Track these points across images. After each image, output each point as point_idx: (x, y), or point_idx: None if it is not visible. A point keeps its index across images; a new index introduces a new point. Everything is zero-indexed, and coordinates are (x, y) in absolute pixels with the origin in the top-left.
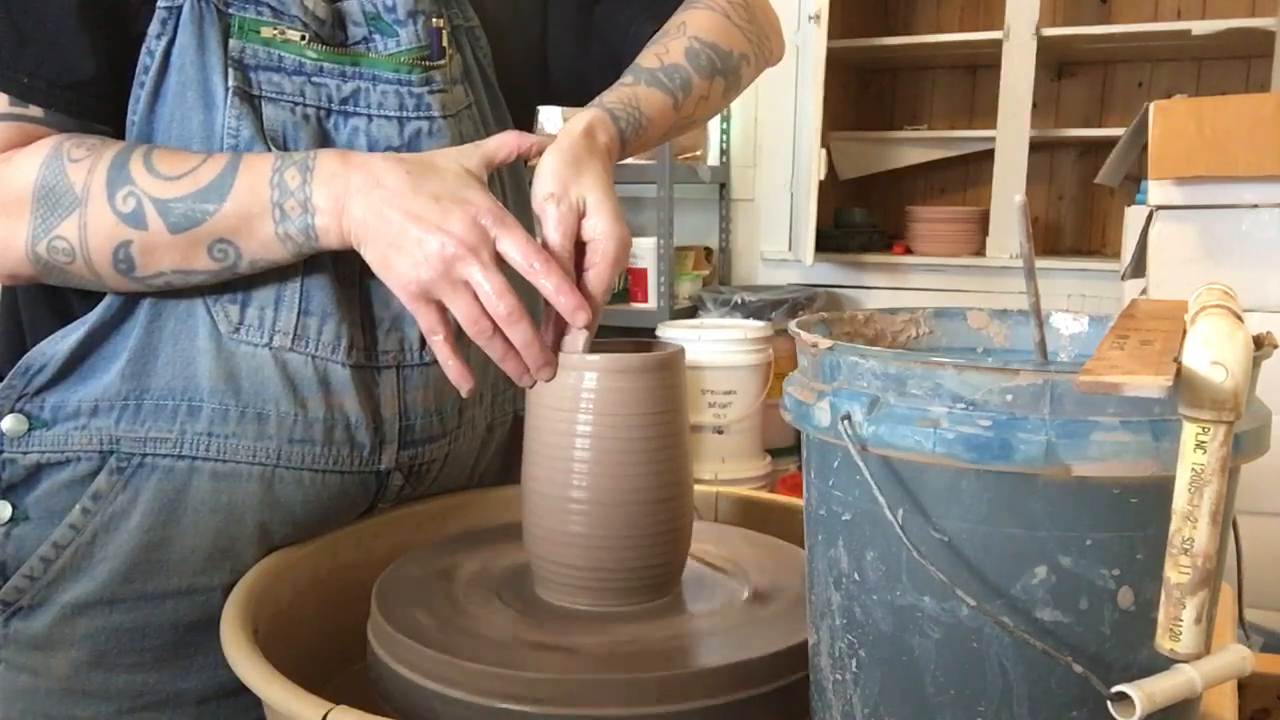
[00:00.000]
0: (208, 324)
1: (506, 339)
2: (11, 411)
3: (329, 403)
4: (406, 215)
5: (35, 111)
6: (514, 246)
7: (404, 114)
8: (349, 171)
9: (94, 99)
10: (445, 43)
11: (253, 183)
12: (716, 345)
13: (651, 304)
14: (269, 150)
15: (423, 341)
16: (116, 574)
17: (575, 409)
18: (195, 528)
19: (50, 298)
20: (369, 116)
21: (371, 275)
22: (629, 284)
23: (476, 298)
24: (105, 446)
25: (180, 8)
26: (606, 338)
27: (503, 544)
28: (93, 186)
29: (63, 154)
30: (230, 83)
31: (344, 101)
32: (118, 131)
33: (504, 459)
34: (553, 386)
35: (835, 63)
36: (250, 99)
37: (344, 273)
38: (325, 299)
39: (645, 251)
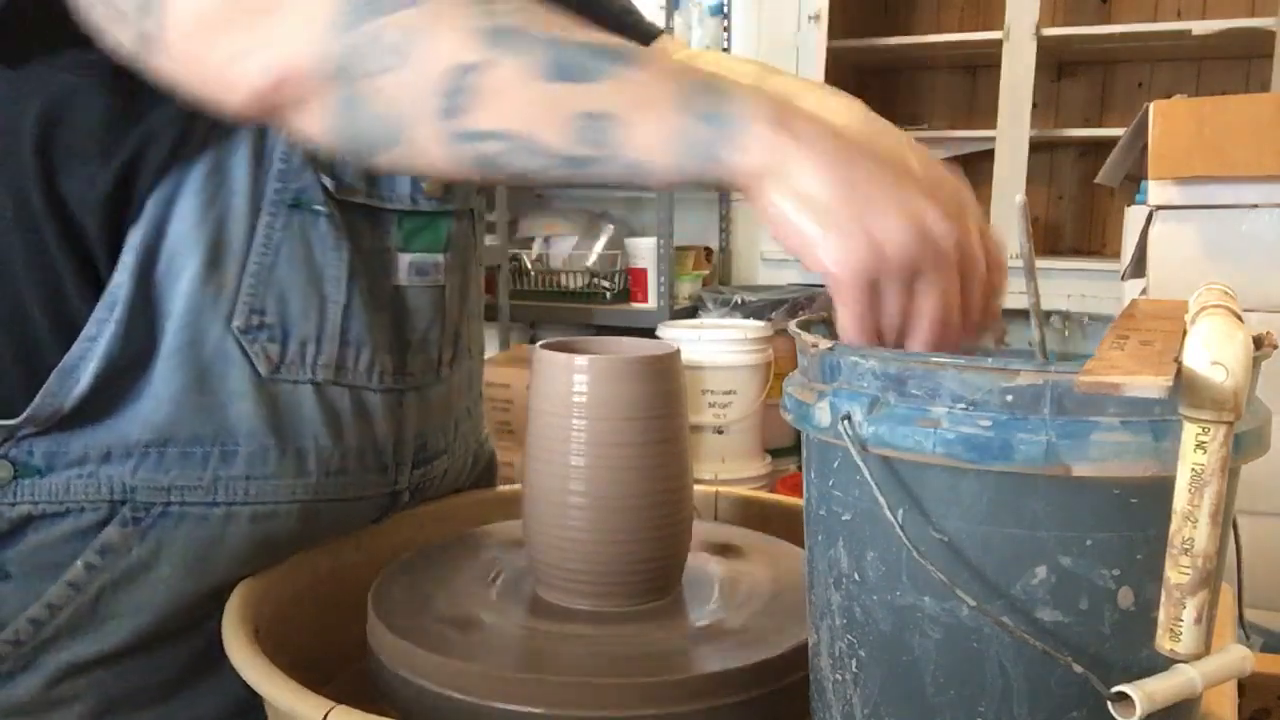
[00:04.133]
0: (243, 367)
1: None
2: None
3: (363, 431)
4: (885, 161)
5: None
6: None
7: None
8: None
9: None
10: None
11: (662, 63)
12: (716, 345)
13: (651, 304)
14: (318, 177)
15: (441, 359)
16: (143, 629)
17: (570, 412)
18: (231, 570)
19: (52, 301)
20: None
21: (401, 297)
22: (629, 284)
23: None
24: (116, 495)
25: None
26: (605, 338)
27: (503, 545)
28: None
29: None
30: None
31: None
32: None
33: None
34: (548, 388)
35: (835, 63)
36: None
37: (378, 296)
38: (362, 327)
39: (645, 251)
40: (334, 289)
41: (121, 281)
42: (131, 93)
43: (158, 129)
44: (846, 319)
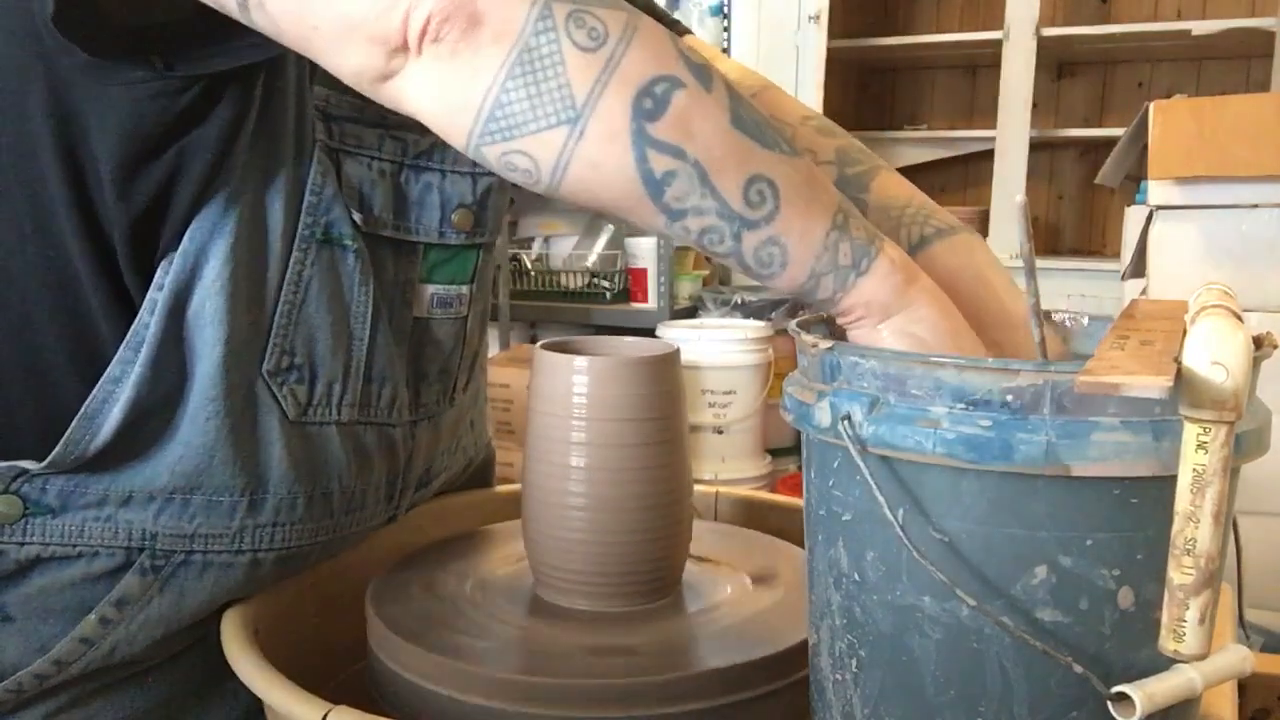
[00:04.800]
0: (274, 411)
1: None
2: (2, 493)
3: (381, 465)
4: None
5: None
6: None
7: (477, 170)
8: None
9: None
10: None
11: (822, 179)
12: (716, 345)
13: (651, 304)
14: (347, 210)
15: (456, 386)
16: (156, 665)
17: (569, 410)
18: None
19: (72, 329)
20: (443, 172)
21: (422, 329)
22: (629, 284)
23: None
24: (135, 542)
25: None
26: (605, 338)
27: (503, 545)
28: (644, 24)
29: None
30: (317, 134)
31: (419, 155)
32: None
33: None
34: (548, 389)
35: (835, 63)
36: (331, 152)
37: (399, 329)
38: (384, 362)
39: (645, 251)
40: (359, 326)
41: (149, 322)
42: (170, 108)
43: (194, 149)
44: None
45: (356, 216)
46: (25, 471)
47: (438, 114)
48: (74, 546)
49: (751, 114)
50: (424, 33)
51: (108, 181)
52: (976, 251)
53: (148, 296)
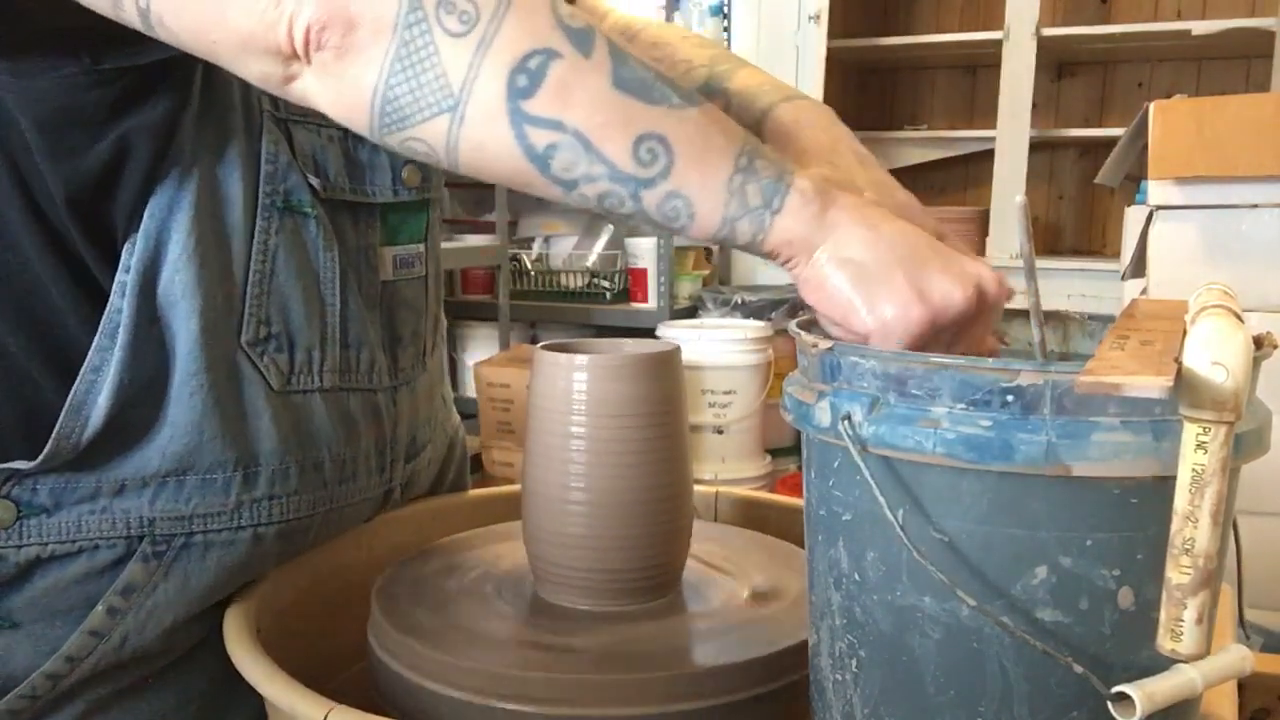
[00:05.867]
0: (257, 382)
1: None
2: None
3: (370, 433)
4: (920, 243)
5: None
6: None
7: None
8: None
9: None
10: None
11: (724, 119)
12: (716, 345)
13: (651, 304)
14: (304, 177)
15: (425, 350)
16: (172, 661)
17: (569, 410)
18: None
19: (42, 325)
20: None
21: (390, 293)
22: (629, 284)
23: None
24: (134, 531)
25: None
26: (604, 337)
27: (503, 544)
28: None
29: None
30: (264, 105)
31: None
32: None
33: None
34: (548, 388)
35: (835, 63)
36: (280, 122)
37: (369, 295)
38: (359, 328)
39: (645, 251)
40: (330, 292)
41: (120, 305)
42: (105, 97)
43: (137, 132)
44: None
45: (314, 182)
46: (15, 474)
47: (340, 112)
48: (73, 543)
49: (637, 72)
50: (308, 42)
51: (50, 173)
52: (818, 110)
53: (115, 281)
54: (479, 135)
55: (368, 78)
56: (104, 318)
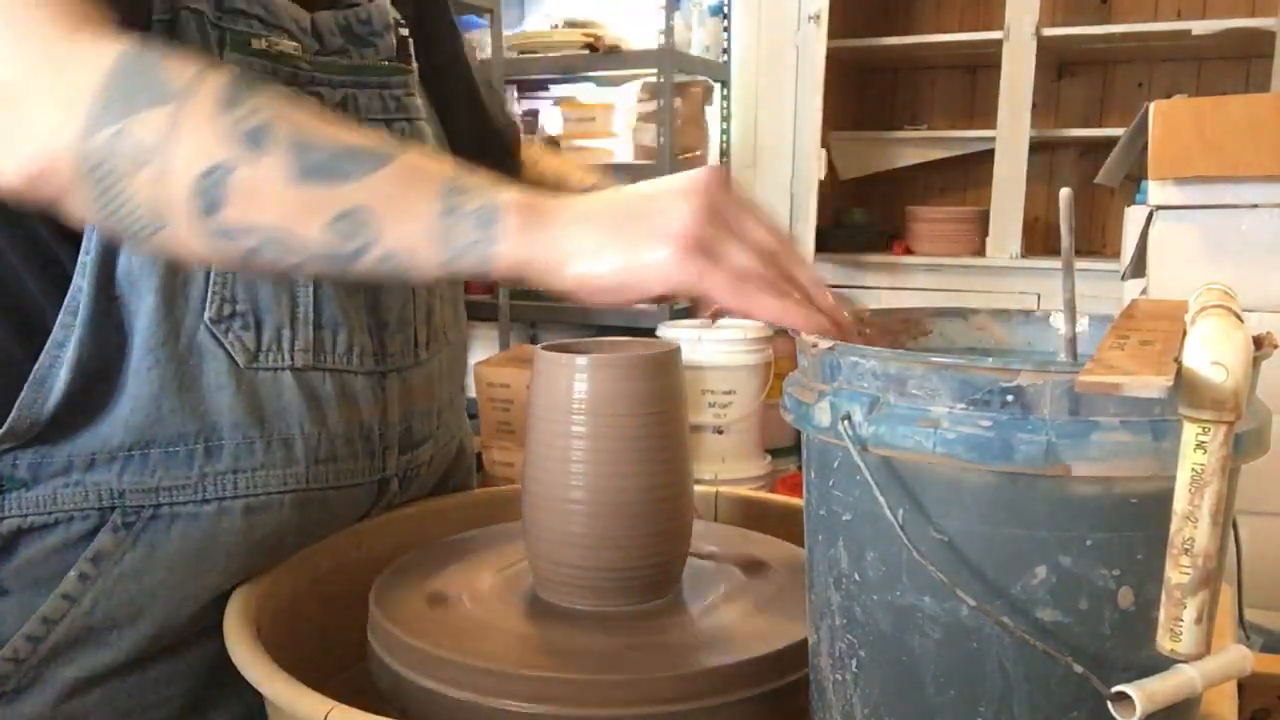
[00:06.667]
0: (220, 358)
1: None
2: None
3: (346, 415)
4: (634, 196)
5: None
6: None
7: (388, 115)
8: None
9: None
10: (411, 51)
11: (423, 165)
12: (716, 345)
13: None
14: None
15: (419, 340)
16: (144, 638)
17: (570, 409)
18: (231, 569)
19: (14, 305)
20: (359, 120)
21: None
22: None
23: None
24: (105, 502)
25: (173, 22)
26: (604, 337)
27: (503, 544)
28: (200, 89)
29: (153, 49)
30: None
31: (335, 108)
32: None
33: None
34: (548, 388)
35: (835, 63)
36: None
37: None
38: (335, 309)
39: None
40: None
41: (81, 284)
42: None
43: None
44: (727, 299)
45: None
46: None
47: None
48: (50, 514)
49: (325, 150)
50: (32, 190)
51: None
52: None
53: (78, 262)
54: (191, 248)
55: (90, 215)
56: (68, 296)
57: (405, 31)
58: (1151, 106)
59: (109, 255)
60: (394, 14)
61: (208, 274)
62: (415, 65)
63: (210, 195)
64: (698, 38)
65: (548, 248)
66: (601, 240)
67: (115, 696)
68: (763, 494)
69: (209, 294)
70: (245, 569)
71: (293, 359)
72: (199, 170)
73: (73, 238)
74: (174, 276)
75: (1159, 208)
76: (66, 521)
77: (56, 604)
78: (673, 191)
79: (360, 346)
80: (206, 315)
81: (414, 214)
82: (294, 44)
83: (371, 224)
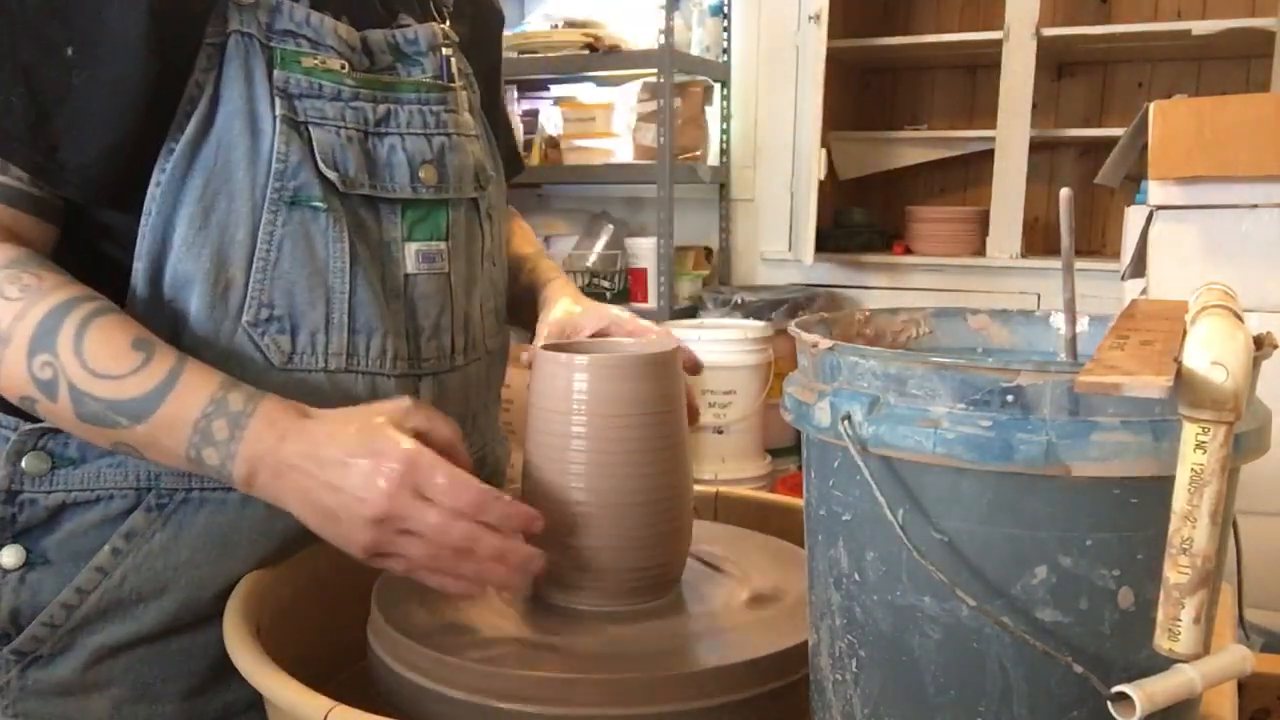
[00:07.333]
0: (258, 359)
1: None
2: (34, 450)
3: None
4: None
5: (12, 181)
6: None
7: (426, 131)
8: (279, 445)
9: (108, 172)
10: (454, 70)
11: (177, 417)
12: (716, 345)
13: (651, 304)
14: (318, 174)
15: (455, 346)
16: (167, 613)
17: (570, 410)
18: (251, 556)
19: None
20: (401, 135)
21: (413, 285)
22: (629, 284)
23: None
24: (143, 483)
25: (225, 44)
26: (605, 338)
27: None
28: (16, 336)
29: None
30: (277, 111)
31: (379, 123)
32: (128, 199)
33: None
34: (548, 388)
35: (835, 63)
36: (296, 125)
37: (390, 285)
38: (370, 314)
39: (645, 251)
40: (338, 280)
41: (134, 285)
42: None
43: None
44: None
45: (333, 177)
46: (50, 430)
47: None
48: (92, 491)
49: (99, 403)
50: None
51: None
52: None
53: (133, 267)
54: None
55: None
56: (126, 300)
57: (448, 52)
58: (1151, 106)
59: (158, 263)
60: (442, 35)
61: (247, 280)
62: (460, 83)
63: (33, 406)
64: (698, 38)
65: (273, 500)
66: (304, 515)
67: (138, 666)
68: (763, 494)
69: (247, 298)
70: (265, 556)
71: (326, 361)
72: (16, 397)
73: (128, 246)
74: (215, 283)
75: (1159, 208)
76: (107, 499)
77: (90, 575)
78: (367, 471)
79: (394, 350)
80: (244, 319)
81: (168, 448)
82: (341, 61)
83: (138, 452)
